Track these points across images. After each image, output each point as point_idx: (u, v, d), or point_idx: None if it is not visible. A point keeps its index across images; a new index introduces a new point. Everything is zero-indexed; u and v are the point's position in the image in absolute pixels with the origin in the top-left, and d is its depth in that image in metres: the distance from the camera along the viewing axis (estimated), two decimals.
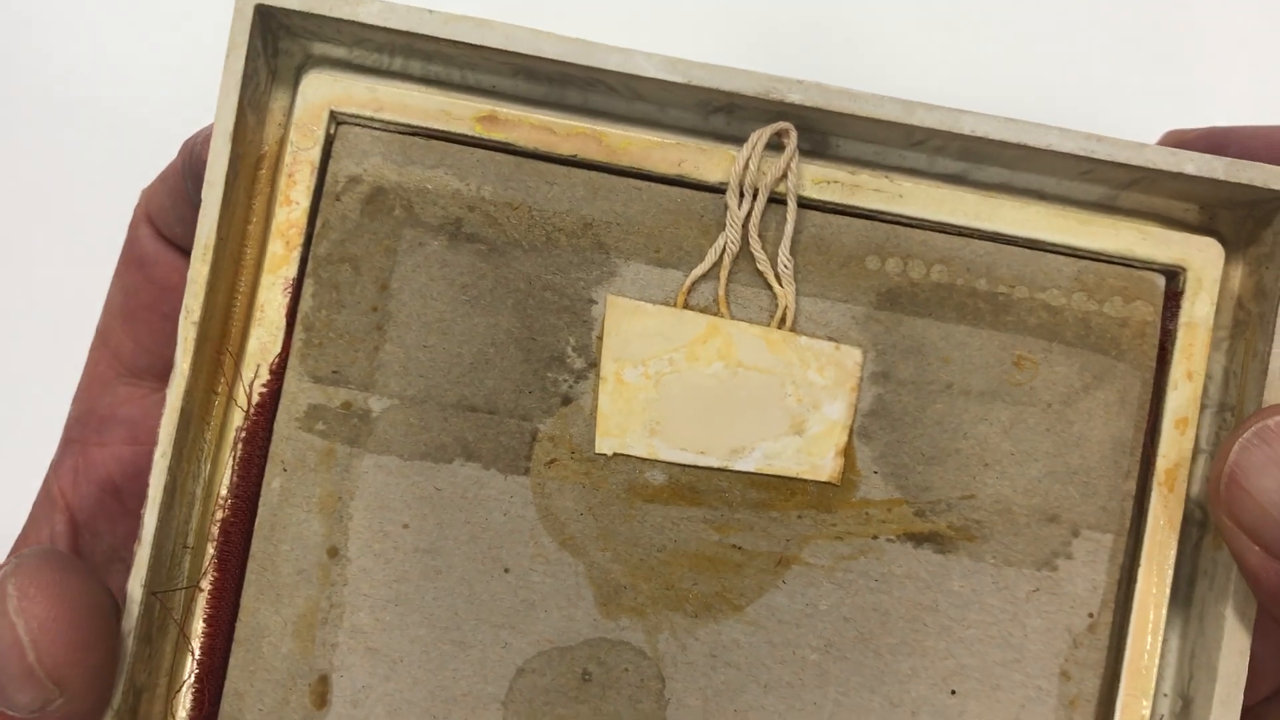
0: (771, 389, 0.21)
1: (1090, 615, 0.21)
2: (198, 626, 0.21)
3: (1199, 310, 0.21)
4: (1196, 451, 0.21)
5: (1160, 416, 0.21)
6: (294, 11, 0.20)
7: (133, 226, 0.25)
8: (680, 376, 0.21)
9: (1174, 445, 0.21)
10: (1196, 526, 0.21)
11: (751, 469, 0.21)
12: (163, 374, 0.22)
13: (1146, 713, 0.21)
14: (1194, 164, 0.20)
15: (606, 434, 0.21)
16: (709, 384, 0.21)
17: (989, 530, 0.21)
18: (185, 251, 0.23)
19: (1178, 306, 0.21)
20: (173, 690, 0.21)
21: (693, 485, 0.21)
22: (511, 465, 0.21)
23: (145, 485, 0.20)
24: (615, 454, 0.21)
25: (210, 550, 0.21)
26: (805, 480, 0.21)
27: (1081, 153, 0.20)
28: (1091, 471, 0.21)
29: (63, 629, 0.19)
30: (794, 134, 0.21)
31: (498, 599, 0.21)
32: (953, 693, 0.21)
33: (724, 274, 0.21)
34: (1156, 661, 0.21)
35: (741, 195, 0.21)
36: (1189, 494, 0.21)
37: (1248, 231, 0.21)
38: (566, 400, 0.21)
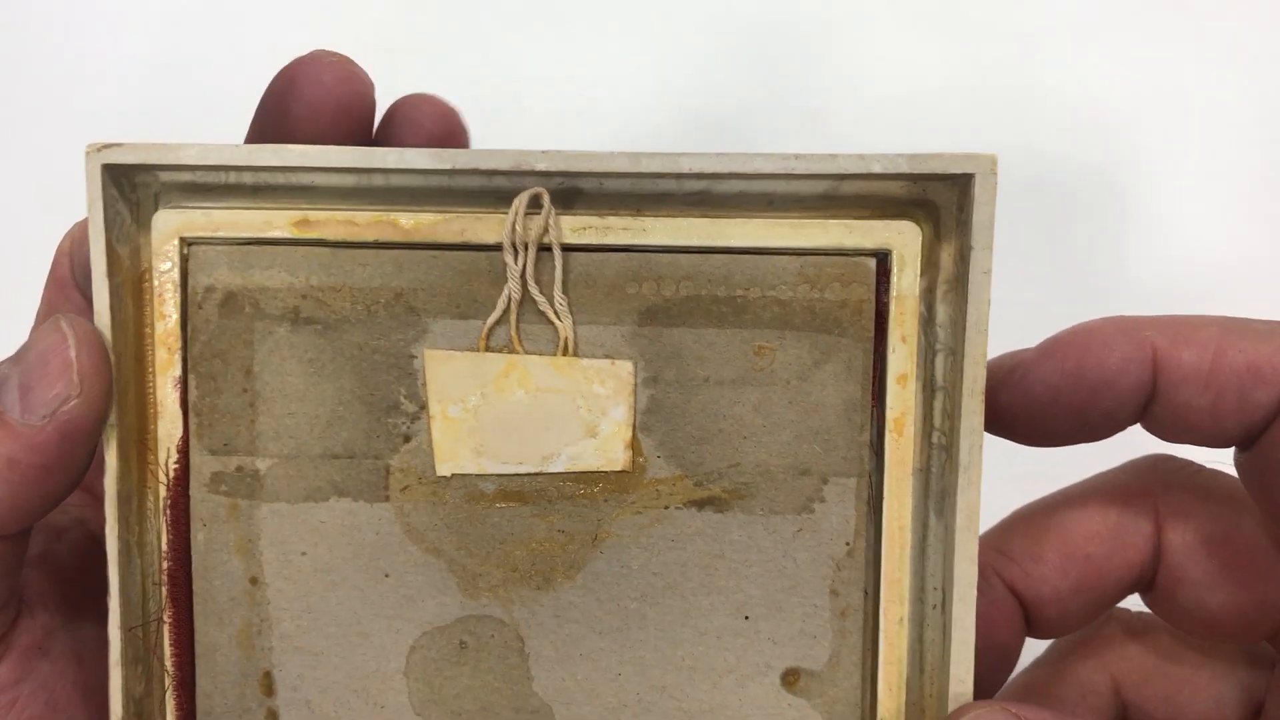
0: (565, 405, 0.26)
1: (847, 543, 0.26)
2: (168, 648, 0.27)
3: (905, 283, 0.25)
4: (933, 390, 0.25)
5: (885, 376, 0.25)
6: (134, 165, 0.25)
7: (60, 253, 0.30)
8: (492, 406, 0.26)
9: (898, 398, 0.25)
10: (940, 450, 0.26)
11: (561, 469, 0.26)
12: None
13: (905, 612, 0.26)
14: (880, 164, 0.24)
15: (443, 459, 0.26)
16: (515, 408, 0.26)
17: (755, 489, 0.26)
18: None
19: (889, 282, 0.25)
20: (161, 697, 0.27)
21: (518, 489, 0.26)
22: (374, 496, 0.26)
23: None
24: (453, 474, 0.26)
25: (164, 593, 0.27)
26: (605, 471, 0.26)
27: (782, 171, 0.24)
28: (831, 430, 0.25)
29: (97, 345, 0.25)
30: (546, 196, 0.25)
31: (384, 597, 0.27)
32: (746, 618, 0.26)
33: (513, 318, 0.26)
34: (907, 572, 0.26)
35: (515, 251, 0.25)
36: (922, 431, 0.26)
37: (952, 202, 0.25)
38: (407, 438, 0.26)
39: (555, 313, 0.26)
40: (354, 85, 0.27)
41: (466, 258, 0.26)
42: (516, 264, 0.25)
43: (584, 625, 0.26)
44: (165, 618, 0.27)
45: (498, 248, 0.26)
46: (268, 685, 0.27)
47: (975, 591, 0.25)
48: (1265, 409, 0.25)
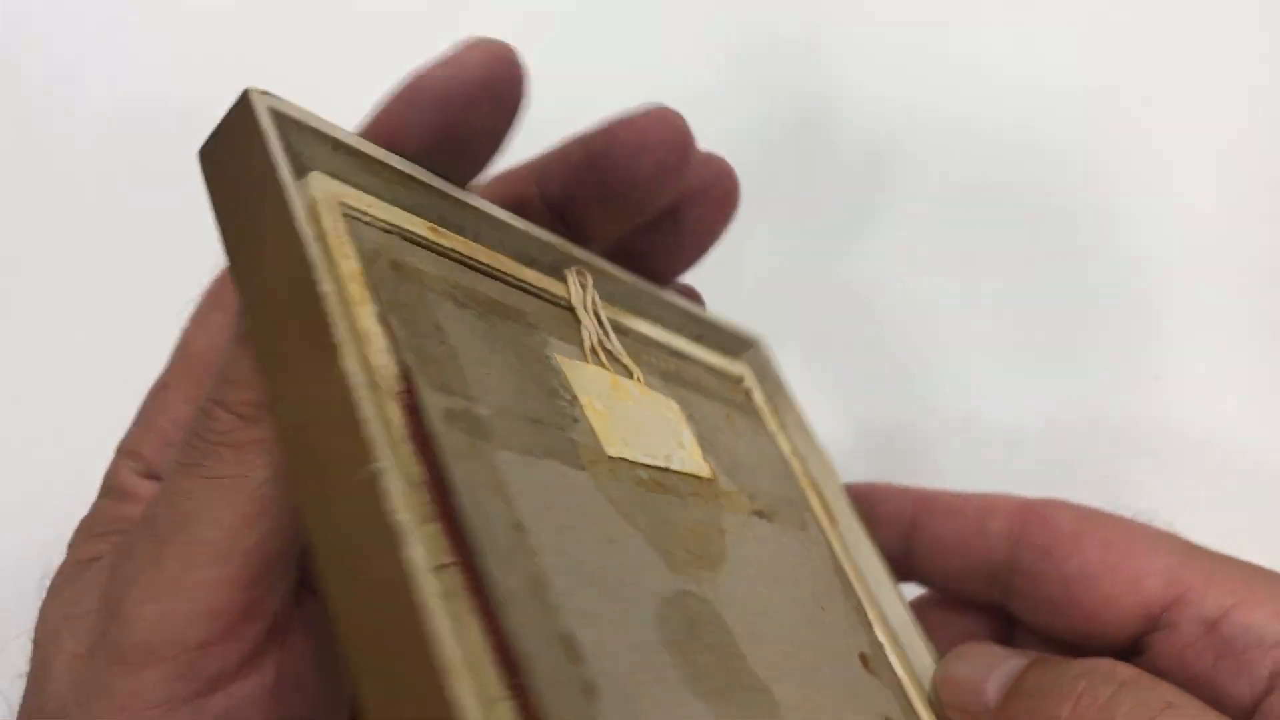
0: (656, 418, 0.28)
1: (826, 554, 0.31)
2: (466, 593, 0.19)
3: (760, 398, 0.35)
4: None
5: (782, 450, 0.34)
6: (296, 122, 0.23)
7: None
8: (616, 407, 0.27)
9: (794, 463, 0.34)
10: None
11: (678, 468, 0.27)
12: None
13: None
14: (721, 322, 0.35)
15: (608, 443, 0.26)
16: (632, 411, 0.27)
17: (776, 509, 0.30)
18: None
19: (752, 395, 0.35)
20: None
21: (660, 480, 0.27)
22: (574, 463, 0.24)
23: None
24: (620, 456, 0.26)
25: (438, 530, 0.19)
26: (699, 476, 0.28)
27: (686, 309, 0.33)
28: (782, 474, 0.32)
29: None
30: (589, 277, 0.30)
31: (619, 563, 0.23)
32: (822, 608, 0.29)
33: (600, 349, 0.28)
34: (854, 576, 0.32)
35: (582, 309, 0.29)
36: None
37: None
38: (575, 420, 0.25)
39: (624, 353, 0.29)
40: (680, 138, 0.29)
41: (546, 304, 0.28)
42: (587, 310, 0.29)
43: (746, 607, 0.26)
44: (448, 559, 0.19)
45: (568, 305, 0.29)
46: (571, 650, 0.20)
47: (895, 579, 0.33)
48: (995, 536, 0.32)
